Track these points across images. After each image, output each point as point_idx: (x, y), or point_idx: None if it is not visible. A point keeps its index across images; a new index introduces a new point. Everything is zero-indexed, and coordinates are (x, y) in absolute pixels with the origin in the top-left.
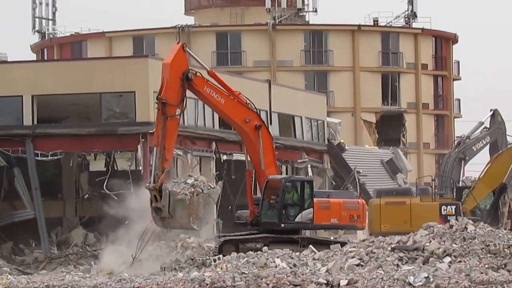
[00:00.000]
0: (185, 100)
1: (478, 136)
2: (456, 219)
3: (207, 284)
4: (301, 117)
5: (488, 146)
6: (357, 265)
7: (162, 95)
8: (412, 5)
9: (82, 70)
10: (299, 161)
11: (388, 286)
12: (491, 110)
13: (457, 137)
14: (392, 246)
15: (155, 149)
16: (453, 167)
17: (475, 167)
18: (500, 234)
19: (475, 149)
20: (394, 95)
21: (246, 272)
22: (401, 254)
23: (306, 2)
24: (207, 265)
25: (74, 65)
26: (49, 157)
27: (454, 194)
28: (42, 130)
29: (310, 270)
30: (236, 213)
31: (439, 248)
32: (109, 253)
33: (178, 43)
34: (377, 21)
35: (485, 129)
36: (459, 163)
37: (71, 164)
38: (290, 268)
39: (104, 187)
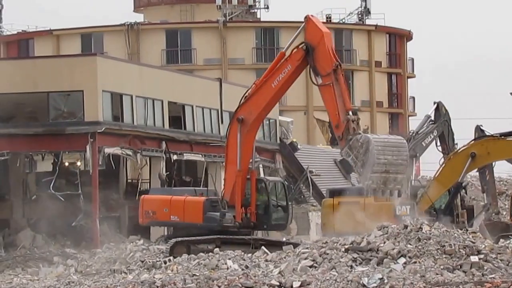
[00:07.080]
0: None
1: (425, 131)
2: (411, 219)
3: (157, 287)
4: None
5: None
6: (310, 266)
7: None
8: (365, 1)
9: (29, 69)
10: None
11: None
12: (435, 103)
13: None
14: (346, 247)
15: None
16: None
17: (430, 166)
18: (456, 235)
19: (424, 145)
20: None
21: (197, 274)
22: (355, 255)
23: None
24: (158, 267)
25: (21, 64)
26: None
27: (408, 193)
28: None
29: (263, 271)
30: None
31: (393, 249)
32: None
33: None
34: (330, 18)
35: (431, 123)
36: (410, 161)
37: (18, 165)
38: (242, 269)
39: (51, 188)
